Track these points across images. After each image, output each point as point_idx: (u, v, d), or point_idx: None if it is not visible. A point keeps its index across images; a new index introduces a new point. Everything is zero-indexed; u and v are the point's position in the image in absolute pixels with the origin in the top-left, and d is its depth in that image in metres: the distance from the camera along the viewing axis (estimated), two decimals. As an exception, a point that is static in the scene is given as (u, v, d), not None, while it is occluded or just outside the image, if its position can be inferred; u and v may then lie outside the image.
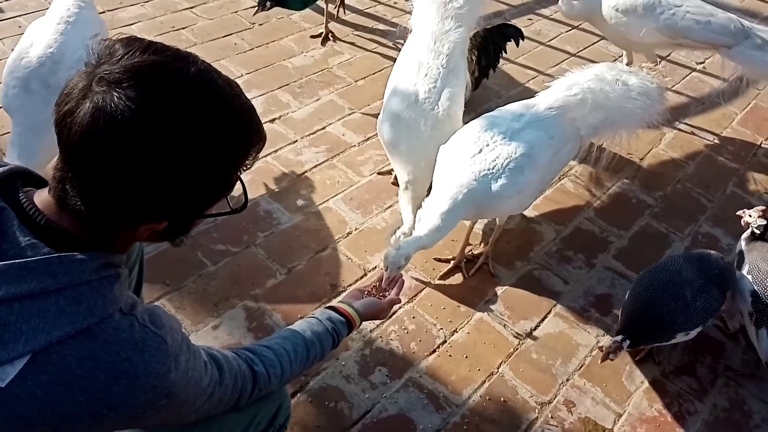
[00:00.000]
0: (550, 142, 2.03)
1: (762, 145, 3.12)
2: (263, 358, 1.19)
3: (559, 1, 3.01)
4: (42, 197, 0.87)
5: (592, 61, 3.58)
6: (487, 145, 1.93)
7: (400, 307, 2.08)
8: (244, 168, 0.92)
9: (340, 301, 1.45)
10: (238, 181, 0.96)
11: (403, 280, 1.59)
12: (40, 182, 0.94)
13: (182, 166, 0.82)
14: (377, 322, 2.01)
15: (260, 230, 2.28)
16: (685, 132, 3.16)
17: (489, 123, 2.03)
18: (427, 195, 2.04)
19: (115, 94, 0.78)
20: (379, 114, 2.35)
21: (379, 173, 2.60)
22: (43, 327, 0.79)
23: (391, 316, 2.04)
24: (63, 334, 0.80)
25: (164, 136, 0.79)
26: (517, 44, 3.01)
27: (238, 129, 0.87)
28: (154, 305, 0.95)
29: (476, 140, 1.96)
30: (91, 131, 0.78)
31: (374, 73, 3.20)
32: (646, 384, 1.98)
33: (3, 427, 0.80)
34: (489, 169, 1.88)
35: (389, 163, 2.52)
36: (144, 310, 0.91)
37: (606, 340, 1.87)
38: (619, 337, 1.81)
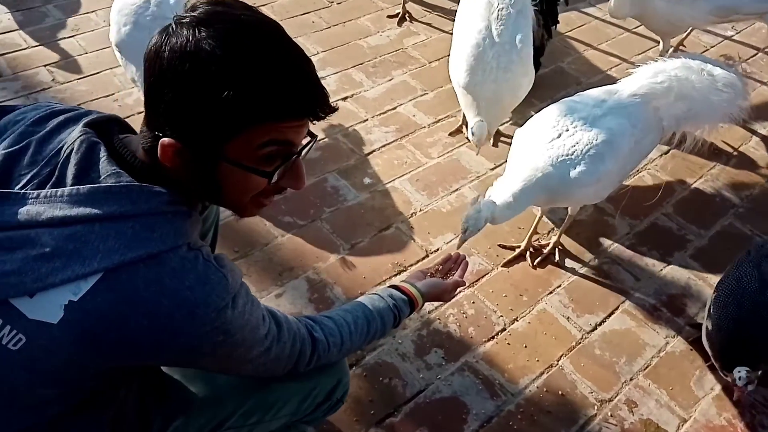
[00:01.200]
0: (633, 130, 1.94)
1: None
2: (323, 327, 1.21)
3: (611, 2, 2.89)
4: (131, 138, 0.96)
5: (680, 50, 3.41)
6: (567, 131, 1.86)
7: (460, 291, 2.06)
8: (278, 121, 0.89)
9: (403, 281, 1.43)
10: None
11: (467, 262, 1.56)
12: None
13: (209, 91, 0.84)
14: (435, 303, 2.00)
15: (327, 205, 2.31)
16: (781, 129, 2.94)
17: (569, 108, 1.96)
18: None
19: (185, 31, 0.85)
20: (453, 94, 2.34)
21: (449, 134, 2.67)
22: (117, 248, 0.84)
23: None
24: (135, 256, 0.85)
25: (204, 67, 0.84)
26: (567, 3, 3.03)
27: (278, 80, 0.87)
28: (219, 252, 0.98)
29: (555, 125, 1.90)
30: (154, 59, 0.86)
31: (449, 55, 3.14)
32: (717, 391, 1.88)
33: (72, 340, 0.85)
34: (568, 155, 1.81)
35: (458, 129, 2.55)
36: (209, 251, 0.95)
37: (735, 379, 1.67)
38: (745, 370, 1.65)
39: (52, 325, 0.84)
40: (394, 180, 2.44)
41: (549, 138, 1.86)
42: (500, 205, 1.78)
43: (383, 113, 2.77)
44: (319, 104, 0.91)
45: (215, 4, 0.88)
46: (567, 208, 2.16)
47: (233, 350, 0.97)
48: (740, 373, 1.64)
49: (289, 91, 0.88)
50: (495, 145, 2.65)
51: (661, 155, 2.69)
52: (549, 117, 1.94)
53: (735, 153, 2.76)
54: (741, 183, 2.62)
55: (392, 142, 2.62)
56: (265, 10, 3.31)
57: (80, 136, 0.91)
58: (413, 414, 1.73)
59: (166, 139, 0.88)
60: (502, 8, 2.26)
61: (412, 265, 2.12)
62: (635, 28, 3.60)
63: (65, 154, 0.90)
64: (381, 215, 2.30)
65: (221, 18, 0.86)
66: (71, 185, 0.88)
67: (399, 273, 2.09)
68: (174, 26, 0.86)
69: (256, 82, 0.85)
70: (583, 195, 1.90)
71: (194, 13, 0.86)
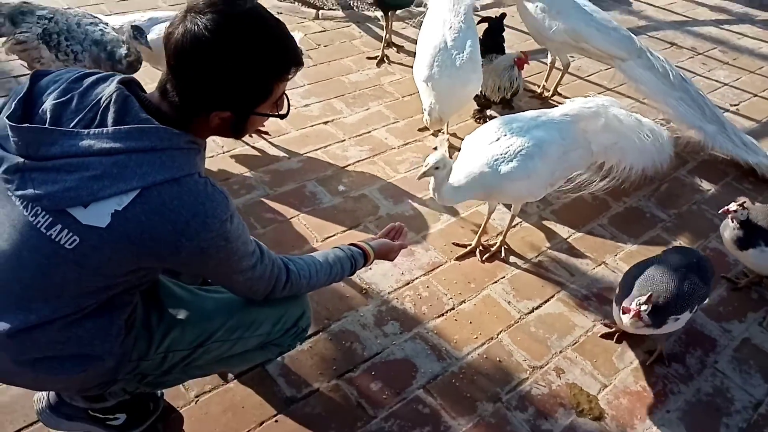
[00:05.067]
0: (562, 141, 2.30)
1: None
2: (296, 263, 1.52)
3: None
4: (151, 94, 1.27)
5: (627, 96, 3.85)
6: (505, 135, 2.24)
7: (416, 278, 2.36)
8: (286, 80, 1.28)
9: (359, 240, 1.76)
10: (285, 100, 1.34)
11: (406, 231, 1.87)
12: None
13: (239, 70, 1.19)
14: (395, 285, 2.31)
15: (305, 206, 2.64)
16: (710, 161, 3.33)
17: (509, 120, 2.35)
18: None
19: (198, 20, 1.17)
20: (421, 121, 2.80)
21: (419, 130, 3.17)
22: (150, 172, 1.16)
23: (408, 284, 2.33)
24: (162, 179, 1.16)
25: (229, 50, 1.17)
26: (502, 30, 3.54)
27: (279, 49, 1.24)
28: None
29: (496, 130, 2.27)
30: (181, 46, 1.17)
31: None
32: (635, 364, 2.17)
33: (116, 240, 1.16)
34: (502, 155, 2.17)
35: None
36: (214, 180, 1.27)
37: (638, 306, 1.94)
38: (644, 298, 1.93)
39: (101, 229, 1.15)
40: (365, 188, 2.79)
41: (490, 140, 2.23)
42: (450, 187, 2.13)
43: (359, 135, 3.14)
44: (301, 53, 1.31)
45: (218, 7, 1.18)
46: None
47: (230, 256, 1.28)
48: (642, 305, 1.93)
49: (292, 54, 1.27)
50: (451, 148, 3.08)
51: (601, 179, 3.06)
52: (492, 125, 2.32)
53: (667, 179, 3.14)
54: (670, 203, 2.99)
55: (366, 158, 2.98)
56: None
57: (116, 90, 1.22)
58: (370, 370, 2.01)
59: (218, 112, 1.23)
60: (454, 23, 2.88)
61: (376, 256, 2.43)
62: (588, 76, 4.07)
63: (105, 104, 1.21)
64: (352, 216, 2.63)
65: (234, 24, 1.16)
66: (112, 126, 1.19)
67: (364, 262, 2.40)
68: (195, 23, 1.15)
69: (277, 57, 1.24)
70: (516, 189, 2.24)
71: (206, 19, 1.15)
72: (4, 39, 2.59)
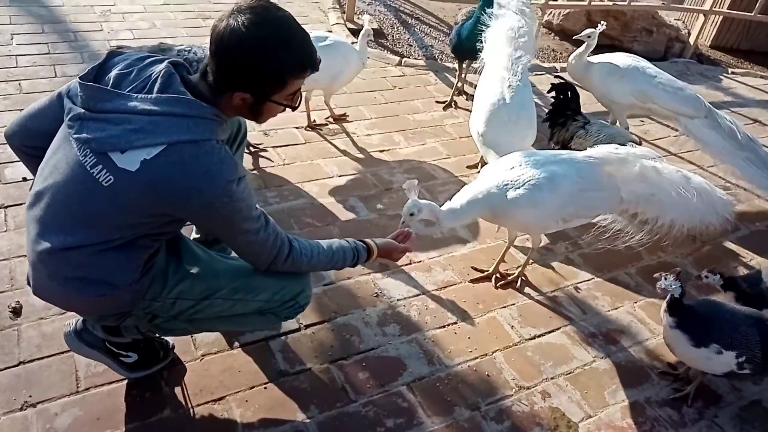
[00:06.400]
0: (578, 179, 2.38)
1: None
2: (299, 241, 1.75)
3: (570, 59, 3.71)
4: (194, 75, 1.58)
5: (691, 163, 3.83)
6: (520, 165, 2.37)
7: (427, 291, 2.51)
8: (301, 78, 1.55)
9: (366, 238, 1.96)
10: (300, 97, 1.62)
11: (415, 236, 2.05)
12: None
13: (261, 62, 1.48)
14: (405, 294, 2.47)
15: (342, 217, 2.89)
16: (764, 232, 3.24)
17: (531, 153, 2.49)
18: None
19: (238, 18, 1.47)
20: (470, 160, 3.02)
21: (467, 167, 3.42)
22: (176, 132, 1.45)
23: (418, 295, 2.48)
24: (185, 139, 1.46)
25: (256, 44, 1.46)
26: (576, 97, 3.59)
27: (297, 51, 1.52)
28: None
29: (514, 161, 2.41)
30: (221, 36, 1.48)
31: (478, 135, 3.76)
32: (627, 402, 2.16)
33: (141, 183, 1.44)
34: (512, 181, 2.31)
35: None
36: (228, 149, 1.53)
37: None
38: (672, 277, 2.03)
39: (131, 172, 1.45)
40: (402, 209, 2.98)
41: (505, 168, 2.37)
42: (447, 210, 2.29)
43: (410, 166, 3.38)
44: (317, 60, 1.58)
45: (254, 10, 1.48)
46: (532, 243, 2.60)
47: (233, 215, 1.53)
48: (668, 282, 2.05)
49: (308, 57, 1.55)
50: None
51: (639, 232, 3.06)
52: (512, 156, 2.46)
53: (711, 243, 3.09)
54: (707, 264, 2.93)
55: (409, 185, 3.20)
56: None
57: (165, 68, 1.55)
58: (361, 362, 2.17)
59: (240, 93, 1.52)
60: (512, 80, 2.99)
61: (399, 267, 2.61)
62: (654, 140, 4.08)
63: (155, 77, 1.54)
64: (383, 231, 2.83)
65: (264, 24, 1.46)
66: (155, 94, 1.50)
67: (386, 270, 2.58)
68: (235, 19, 1.45)
69: (295, 57, 1.52)
70: (522, 217, 2.34)
71: (243, 18, 1.45)
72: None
